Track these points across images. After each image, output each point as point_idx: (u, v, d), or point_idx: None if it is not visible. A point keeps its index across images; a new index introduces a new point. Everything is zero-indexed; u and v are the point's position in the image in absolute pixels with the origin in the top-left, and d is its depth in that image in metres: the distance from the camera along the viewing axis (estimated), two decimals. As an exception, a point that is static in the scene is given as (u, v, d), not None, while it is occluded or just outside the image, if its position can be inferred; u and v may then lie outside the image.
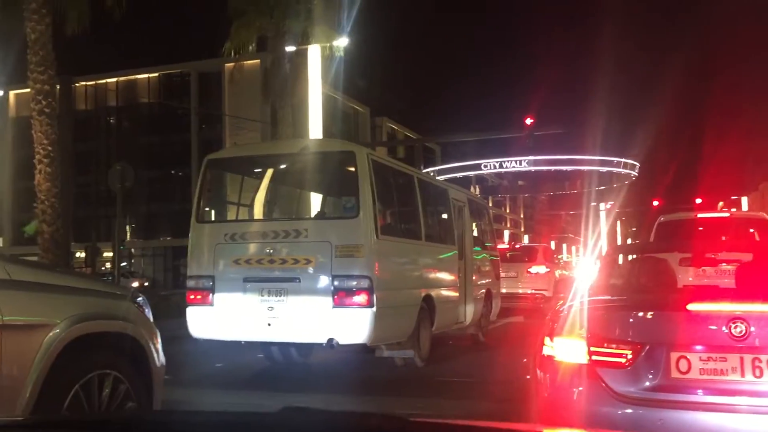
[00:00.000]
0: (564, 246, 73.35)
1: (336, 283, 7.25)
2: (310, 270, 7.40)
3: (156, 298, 17.97)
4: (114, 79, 53.55)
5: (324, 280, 7.33)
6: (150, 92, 53.03)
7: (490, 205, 55.96)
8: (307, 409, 1.53)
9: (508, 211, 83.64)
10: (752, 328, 3.08)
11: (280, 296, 7.38)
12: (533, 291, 17.30)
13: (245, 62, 24.19)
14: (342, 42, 21.23)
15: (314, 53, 23.78)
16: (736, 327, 3.09)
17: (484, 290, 11.36)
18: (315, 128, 25.53)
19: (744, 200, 79.33)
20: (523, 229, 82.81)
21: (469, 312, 10.37)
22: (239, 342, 7.97)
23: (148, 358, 4.30)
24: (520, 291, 17.27)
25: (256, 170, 9.16)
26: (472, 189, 39.38)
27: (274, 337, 7.58)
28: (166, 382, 5.48)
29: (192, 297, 7.77)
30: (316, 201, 10.99)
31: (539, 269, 17.95)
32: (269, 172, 9.01)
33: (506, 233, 68.83)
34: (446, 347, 10.20)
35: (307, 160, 8.47)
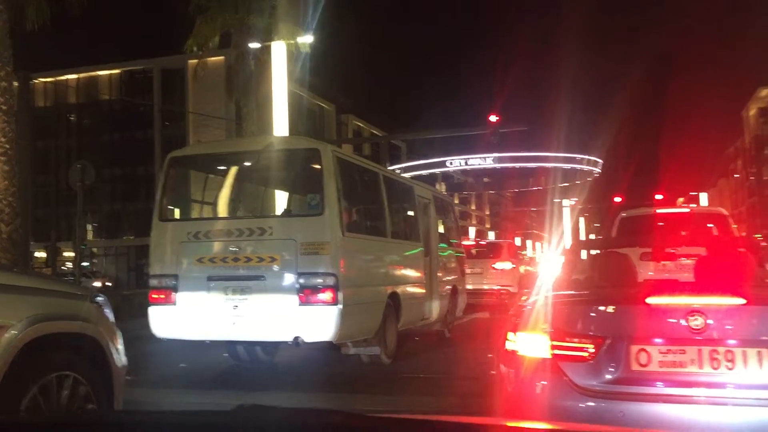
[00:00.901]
0: (529, 242, 74.07)
1: (301, 280, 7.21)
2: (275, 268, 7.35)
3: (119, 298, 17.71)
4: (74, 76, 52.52)
5: (289, 278, 7.28)
6: (111, 89, 52.14)
7: (456, 202, 56.30)
8: (262, 406, 1.52)
9: (473, 207, 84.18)
10: (710, 321, 3.13)
11: (244, 294, 7.32)
12: (498, 287, 17.44)
13: (209, 59, 23.91)
14: (307, 39, 21.11)
15: (279, 50, 23.61)
16: (694, 320, 3.15)
17: (449, 287, 11.41)
18: (280, 125, 25.37)
19: (703, 196, 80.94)
20: (488, 226, 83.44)
21: (435, 308, 10.41)
22: (203, 341, 7.88)
23: (109, 359, 4.23)
24: (486, 287, 17.40)
25: (219, 168, 9.07)
26: (437, 186, 39.57)
27: (239, 335, 7.52)
28: (129, 383, 5.38)
29: (155, 296, 7.66)
30: (281, 198, 10.93)
31: (504, 265, 18.10)
32: (233, 169, 8.92)
33: (472, 230, 69.25)
34: (412, 344, 10.23)
35: (272, 157, 8.40)
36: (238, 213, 8.91)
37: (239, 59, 20.04)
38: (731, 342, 3.12)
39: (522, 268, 19.51)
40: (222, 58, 30.20)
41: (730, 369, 3.08)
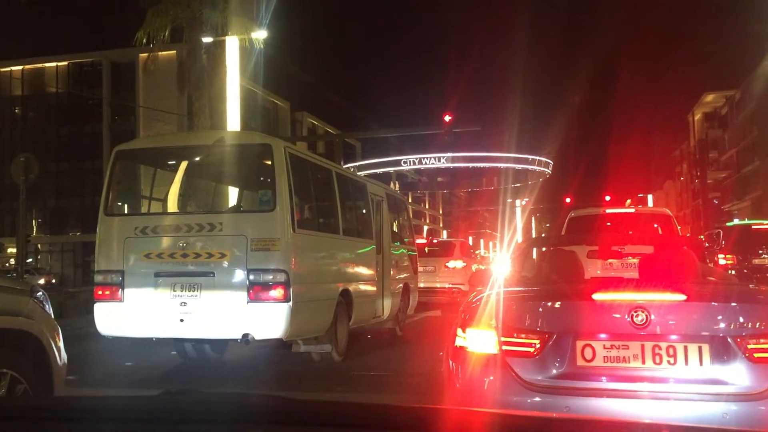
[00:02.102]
0: (481, 241, 74.86)
1: (251, 277, 7.13)
2: (225, 264, 7.25)
3: (64, 295, 17.28)
4: (19, 67, 51.03)
5: (239, 275, 7.19)
6: (59, 81, 50.75)
7: (410, 201, 56.56)
8: (187, 390, 1.50)
9: (427, 207, 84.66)
10: (652, 317, 3.19)
11: (193, 291, 7.19)
12: (450, 285, 17.55)
13: (161, 52, 23.47)
14: (261, 34, 20.90)
15: (232, 45, 23.32)
16: (637, 316, 3.20)
17: (401, 285, 11.43)
18: (233, 121, 25.07)
19: (650, 197, 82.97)
20: (442, 225, 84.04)
21: (387, 306, 10.42)
22: (150, 339, 7.73)
23: (49, 357, 4.11)
24: (438, 285, 17.49)
25: (169, 162, 8.90)
26: (391, 185, 39.63)
27: (187, 333, 7.39)
28: (72, 382, 5.24)
29: (100, 293, 7.48)
30: (232, 194, 10.79)
31: (456, 264, 18.22)
32: (183, 164, 8.76)
33: (425, 229, 69.66)
34: (364, 341, 10.22)
35: (223, 152, 8.28)
36: (188, 208, 8.77)
37: (191, 53, 19.72)
38: (673, 337, 3.19)
39: (474, 267, 19.67)
40: (174, 52, 29.74)
41: (672, 364, 3.15)
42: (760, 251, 18.24)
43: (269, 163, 7.55)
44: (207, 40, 19.82)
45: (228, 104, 22.66)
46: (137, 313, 7.34)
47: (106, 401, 1.58)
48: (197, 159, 8.80)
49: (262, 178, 8.13)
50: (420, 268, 13.93)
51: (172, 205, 8.52)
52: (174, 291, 7.22)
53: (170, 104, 36.90)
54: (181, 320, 7.18)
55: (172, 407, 1.42)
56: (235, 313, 7.12)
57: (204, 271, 7.25)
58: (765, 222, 22.58)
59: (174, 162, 8.80)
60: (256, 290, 7.11)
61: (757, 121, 59.01)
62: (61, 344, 4.29)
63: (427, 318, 13.96)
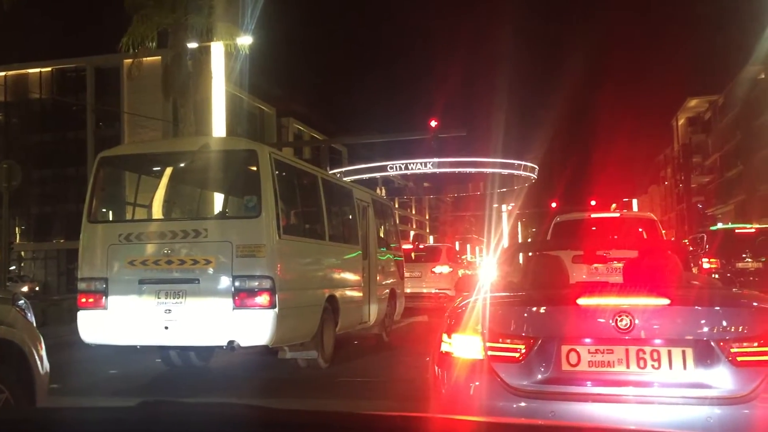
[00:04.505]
0: (468, 246, 75.00)
1: (237, 283, 7.10)
2: (210, 271, 7.20)
3: (47, 302, 17.11)
4: (2, 73, 50.59)
5: (225, 281, 7.16)
6: (42, 87, 50.36)
7: (396, 206, 56.54)
8: (165, 401, 1.48)
9: (413, 212, 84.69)
10: (636, 321, 3.20)
11: (178, 298, 7.15)
12: (437, 290, 17.56)
13: (145, 58, 23.38)
14: (246, 40, 20.88)
15: (218, 51, 23.29)
16: (621, 320, 3.21)
17: (388, 290, 11.42)
18: (219, 127, 25.01)
19: (635, 202, 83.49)
20: (428, 230, 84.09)
21: (373, 312, 10.40)
22: (135, 347, 7.66)
23: (31, 365, 4.06)
24: (424, 290, 17.50)
25: (153, 168, 8.85)
26: (378, 190, 39.66)
27: (172, 340, 7.34)
28: (56, 391, 5.18)
29: (83, 300, 7.42)
30: (217, 201, 10.74)
31: (443, 269, 18.24)
32: (168, 170, 8.70)
33: (412, 234, 69.70)
34: (350, 347, 10.19)
35: (208, 158, 8.24)
36: (173, 215, 8.71)
37: (176, 59, 19.66)
38: (657, 342, 3.20)
39: (460, 272, 19.69)
40: (159, 57, 29.62)
41: (656, 368, 3.16)
42: (744, 255, 18.40)
43: (254, 168, 7.52)
44: (192, 45, 19.77)
45: (213, 110, 22.64)
46: (121, 320, 7.28)
47: (81, 413, 1.55)
48: (182, 165, 8.76)
49: (247, 184, 8.09)
50: (406, 274, 13.92)
51: (157, 211, 8.46)
52: (158, 298, 7.17)
53: (155, 110, 36.71)
54: (166, 327, 7.13)
55: (148, 418, 1.41)
56: (220, 319, 7.08)
57: (189, 277, 7.20)
58: (748, 226, 22.79)
59: (158, 168, 8.75)
60: (241, 297, 7.08)
61: (740, 126, 59.61)
62: (43, 353, 4.25)
63: (414, 323, 13.95)
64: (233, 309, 7.07)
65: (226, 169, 8.55)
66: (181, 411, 1.49)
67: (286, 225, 7.79)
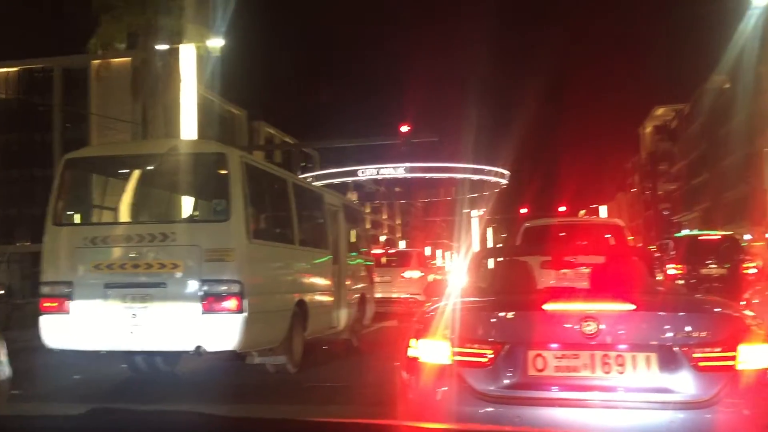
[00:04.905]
0: (439, 251, 75.20)
1: (205, 288, 7.02)
2: (178, 275, 7.12)
3: (11, 306, 16.75)
4: (-33, 73, 49.59)
5: (192, 285, 7.08)
6: (8, 87, 49.45)
7: (368, 211, 56.55)
8: (116, 409, 1.45)
9: (385, 217, 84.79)
10: (602, 326, 3.23)
11: (144, 303, 7.05)
12: (407, 295, 17.57)
13: (114, 59, 23.17)
14: (217, 42, 20.75)
15: (188, 53, 23.10)
16: (587, 325, 3.24)
17: (358, 295, 11.39)
18: (189, 130, 24.80)
19: (603, 209, 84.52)
20: (399, 235, 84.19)
21: (343, 317, 10.37)
22: (100, 352, 7.54)
23: (-10, 371, 3.97)
24: (394, 295, 17.49)
25: (120, 171, 8.72)
26: (349, 195, 39.64)
27: (138, 345, 7.23)
28: (17, 397, 5.07)
29: (47, 305, 7.27)
30: (186, 204, 10.63)
31: (413, 274, 18.26)
32: (135, 173, 8.59)
33: (383, 239, 69.73)
34: (319, 353, 10.14)
35: (176, 161, 8.15)
36: (140, 218, 8.60)
37: (146, 61, 19.47)
38: (622, 347, 3.23)
39: (430, 277, 19.74)
40: (128, 59, 29.26)
41: (621, 373, 3.19)
42: (708, 261, 18.73)
43: (224, 172, 7.47)
44: (162, 47, 19.59)
45: (183, 112, 22.44)
46: (85, 325, 7.16)
47: (24, 421, 1.51)
48: (150, 168, 8.64)
49: (216, 188, 8.02)
50: (377, 279, 13.90)
51: (124, 214, 8.35)
52: (124, 302, 7.07)
53: (124, 112, 36.19)
54: (131, 332, 7.03)
55: (95, 428, 1.38)
56: (187, 324, 7.00)
57: (156, 282, 7.11)
58: (712, 232, 23.21)
59: (126, 171, 8.63)
60: (209, 301, 7.01)
61: (705, 135, 60.72)
62: (4, 358, 4.16)
63: (384, 328, 13.93)
64: (201, 313, 6.99)
65: (195, 172, 8.45)
66: (133, 419, 1.46)
67: (255, 229, 7.74)
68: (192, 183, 9.12)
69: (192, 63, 23.67)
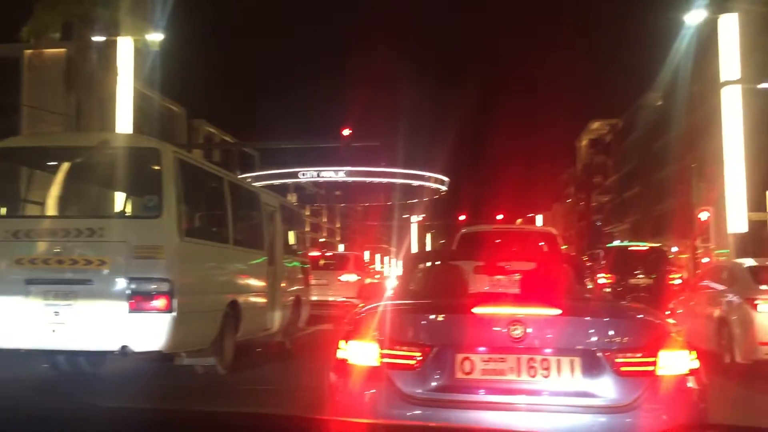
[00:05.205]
0: (377, 256, 75.38)
1: (133, 286, 6.82)
2: (105, 272, 6.89)
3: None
4: None
5: (120, 283, 6.86)
6: (-66, 75, 47.25)
7: (308, 213, 56.27)
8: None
9: (325, 220, 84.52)
10: (529, 330, 3.27)
11: (68, 300, 6.80)
12: (343, 299, 17.52)
13: (48, 50, 22.34)
14: (156, 36, 20.30)
15: (126, 46, 22.55)
16: (515, 329, 3.27)
17: (293, 297, 11.28)
18: (124, 125, 24.20)
19: (539, 218, 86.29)
20: (339, 239, 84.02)
21: (277, 319, 10.24)
22: (19, 350, 7.22)
23: None
24: (331, 299, 17.42)
25: (48, 163, 8.41)
26: (289, 197, 39.34)
27: (60, 344, 6.96)
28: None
29: None
30: (116, 199, 10.32)
31: (349, 277, 18.23)
32: (64, 165, 8.29)
33: (321, 241, 69.46)
34: (252, 355, 9.99)
35: (107, 154, 7.92)
36: (67, 212, 8.31)
37: (81, 52, 18.85)
38: (548, 351, 3.27)
39: (367, 281, 19.75)
40: (63, 50, 28.31)
41: (546, 377, 3.22)
42: (636, 271, 19.32)
43: (157, 168, 7.28)
44: (98, 39, 19.04)
45: (119, 106, 21.85)
46: (4, 322, 6.85)
47: None
48: (79, 161, 8.37)
49: (148, 184, 7.81)
50: (313, 281, 13.80)
51: (51, 208, 8.05)
52: (46, 299, 6.80)
53: (57, 104, 34.95)
54: (53, 330, 6.76)
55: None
56: (113, 323, 6.78)
57: (81, 278, 6.87)
58: (641, 244, 23.97)
59: (54, 163, 8.32)
60: (137, 300, 6.81)
61: (638, 150, 62.73)
62: None
63: (319, 331, 13.84)
64: (128, 312, 6.78)
65: (126, 166, 8.20)
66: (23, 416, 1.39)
67: (188, 227, 7.57)
68: (123, 178, 8.83)
69: (129, 57, 23.12)
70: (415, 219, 58.87)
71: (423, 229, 61.71)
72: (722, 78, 33.47)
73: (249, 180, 24.56)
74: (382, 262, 73.53)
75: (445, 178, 49.30)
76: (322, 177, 45.24)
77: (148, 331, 6.82)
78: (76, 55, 19.12)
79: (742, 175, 32.60)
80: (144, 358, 7.66)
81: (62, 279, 6.87)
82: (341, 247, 68.57)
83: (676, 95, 45.30)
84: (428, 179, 48.06)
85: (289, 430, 1.51)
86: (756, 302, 8.43)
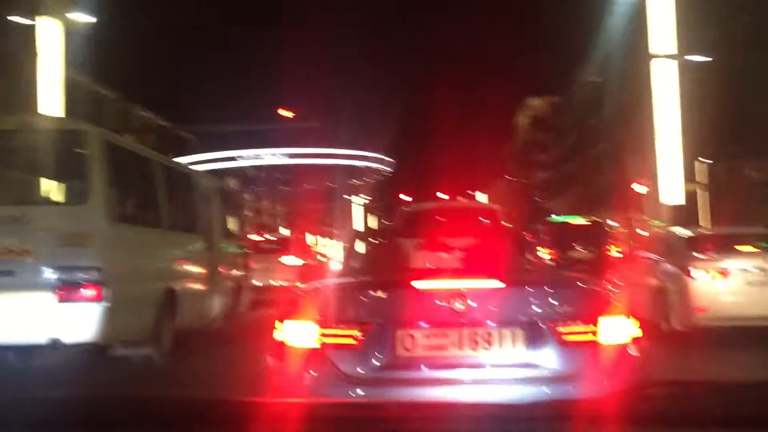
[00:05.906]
0: (319, 238, 75.12)
1: (61, 275, 6.53)
2: (30, 261, 6.58)
3: None
4: None
5: (47, 273, 6.57)
6: None
7: (249, 197, 55.54)
8: None
9: (266, 203, 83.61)
10: (471, 303, 3.19)
11: (-9, 292, 6.46)
12: (286, 282, 17.31)
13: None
14: (82, 17, 19.52)
15: (52, 27, 21.61)
16: (456, 303, 3.19)
17: (233, 282, 11.05)
18: (52, 108, 23.26)
19: (481, 195, 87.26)
20: (281, 222, 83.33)
21: (217, 305, 10.01)
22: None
23: None
24: (273, 283, 17.18)
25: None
26: (229, 180, 38.72)
27: (-15, 339, 6.62)
28: None
29: None
30: (40, 185, 9.87)
31: (291, 260, 18.02)
32: (-17, 151, 7.87)
33: (264, 225, 68.74)
34: (191, 343, 9.72)
35: (30, 138, 7.53)
36: (-13, 200, 7.88)
37: (2, 33, 18.02)
38: (491, 324, 3.20)
39: (310, 263, 19.57)
40: (-17, 31, 27.02)
41: (487, 349, 3.16)
42: (576, 245, 19.73)
43: (84, 151, 6.99)
44: (21, 20, 18.20)
45: (44, 89, 20.94)
46: None
47: None
48: (0, 145, 7.94)
49: (75, 168, 7.47)
50: (255, 266, 13.56)
51: (-30, 196, 7.63)
52: (-33, 293, 6.44)
53: (-21, 89, 33.60)
54: (-24, 325, 6.42)
55: None
56: (41, 315, 6.49)
57: (4, 269, 6.55)
58: (579, 218, 24.48)
59: (-29, 148, 7.88)
60: (66, 290, 6.53)
61: (576, 126, 63.97)
62: None
63: (261, 317, 13.62)
64: (57, 303, 6.50)
65: (51, 150, 7.81)
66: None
67: (118, 212, 7.28)
68: (49, 162, 8.42)
69: (56, 38, 22.15)
70: (359, 201, 58.79)
71: (367, 211, 61.73)
72: (651, 50, 33.77)
73: (186, 163, 24.00)
74: (325, 244, 73.34)
75: (389, 159, 49.42)
76: (263, 159, 44.68)
77: (79, 322, 6.56)
78: (-4, 36, 18.26)
79: (678, 147, 33.20)
80: (77, 350, 7.36)
81: None
82: (283, 231, 68.12)
83: (610, 70, 46.13)
84: (371, 159, 48.05)
85: (225, 414, 1.46)
86: (691, 270, 8.63)
